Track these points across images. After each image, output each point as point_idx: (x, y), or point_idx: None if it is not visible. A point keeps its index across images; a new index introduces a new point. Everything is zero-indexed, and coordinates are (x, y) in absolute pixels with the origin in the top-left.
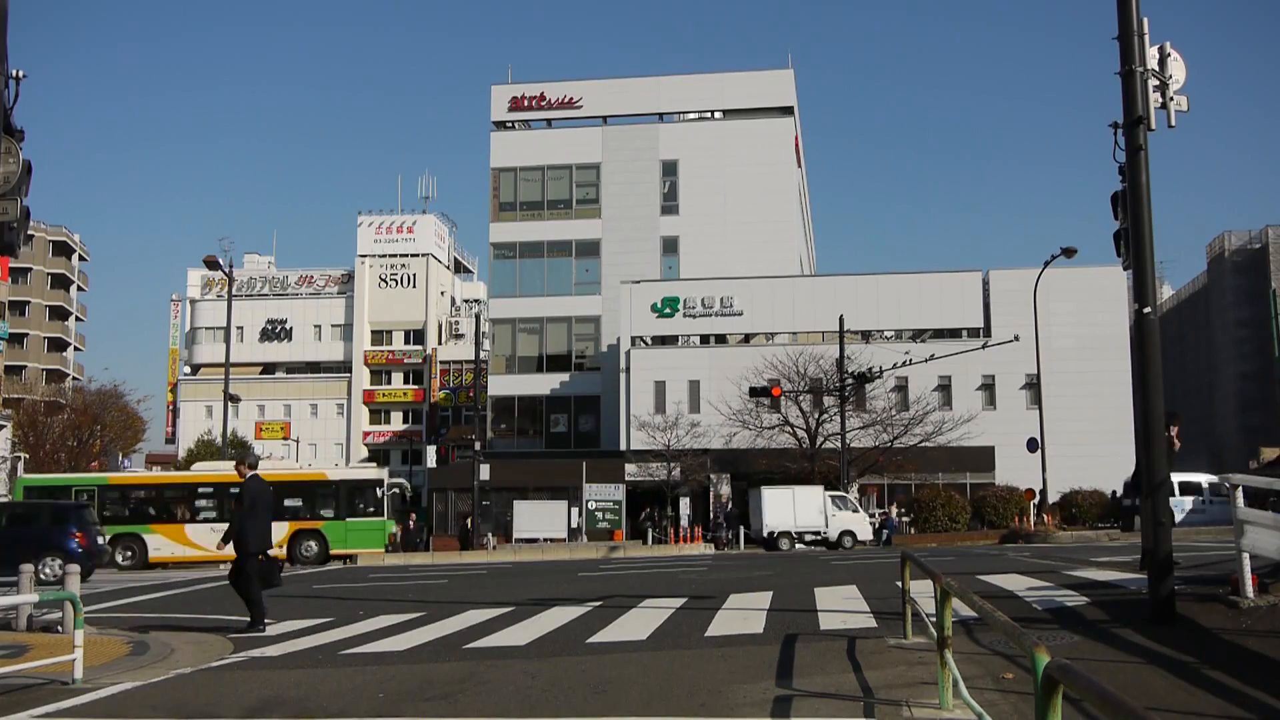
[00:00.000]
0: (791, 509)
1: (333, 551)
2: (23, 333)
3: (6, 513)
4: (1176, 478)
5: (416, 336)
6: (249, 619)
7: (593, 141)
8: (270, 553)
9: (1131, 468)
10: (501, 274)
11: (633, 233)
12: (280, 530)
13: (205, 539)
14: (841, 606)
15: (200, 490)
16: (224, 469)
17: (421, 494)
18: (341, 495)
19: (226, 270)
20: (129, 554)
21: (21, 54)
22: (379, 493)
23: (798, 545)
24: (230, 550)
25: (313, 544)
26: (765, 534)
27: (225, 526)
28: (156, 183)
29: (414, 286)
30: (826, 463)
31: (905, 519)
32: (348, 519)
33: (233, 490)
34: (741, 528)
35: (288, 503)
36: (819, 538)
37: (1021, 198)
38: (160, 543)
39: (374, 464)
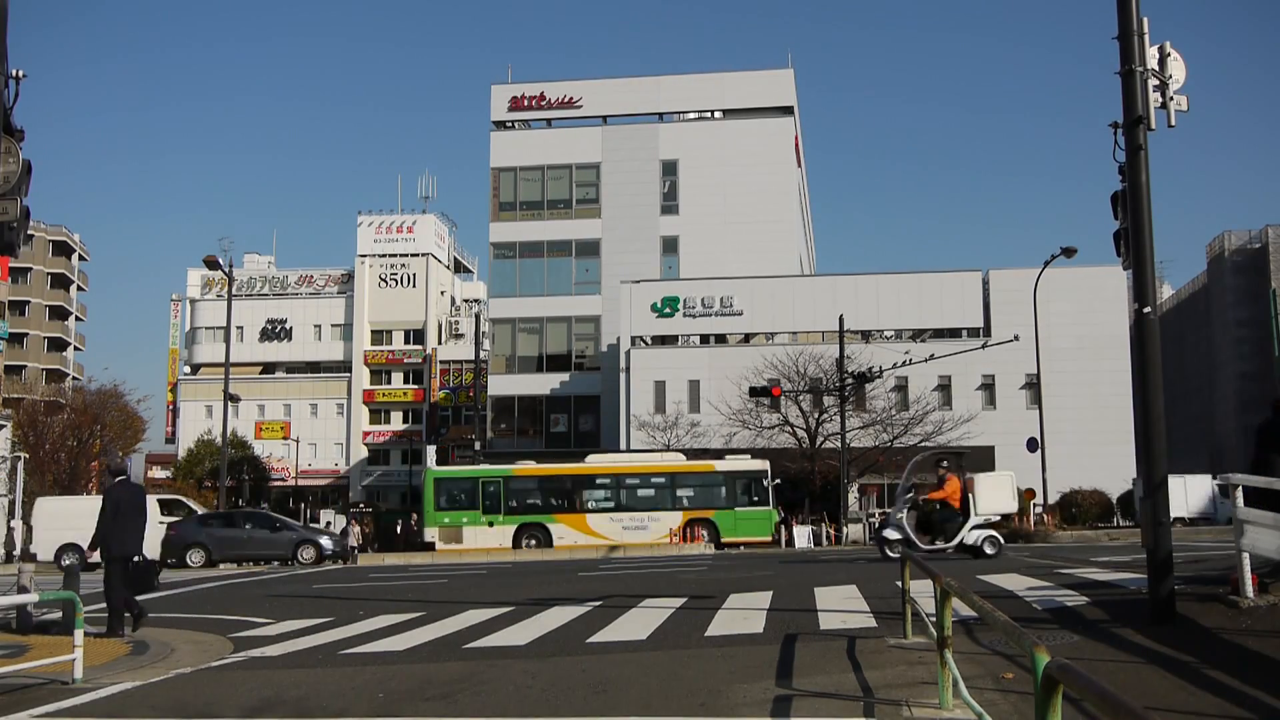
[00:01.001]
0: (1184, 495)
1: (723, 539)
2: (23, 333)
3: None
4: None
5: (416, 336)
6: (108, 626)
7: (592, 141)
8: (148, 558)
9: (1132, 467)
10: (501, 274)
11: (632, 232)
12: (674, 519)
13: (604, 527)
14: (841, 606)
15: (598, 481)
16: (619, 460)
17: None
18: (729, 486)
19: (226, 270)
20: (533, 543)
21: (23, 55)
22: (764, 483)
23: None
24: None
25: (704, 532)
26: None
27: (623, 515)
28: (157, 183)
29: (414, 286)
30: (826, 462)
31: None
32: (736, 509)
33: (628, 480)
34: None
35: (680, 493)
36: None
37: (1021, 198)
38: (563, 531)
39: (749, 455)
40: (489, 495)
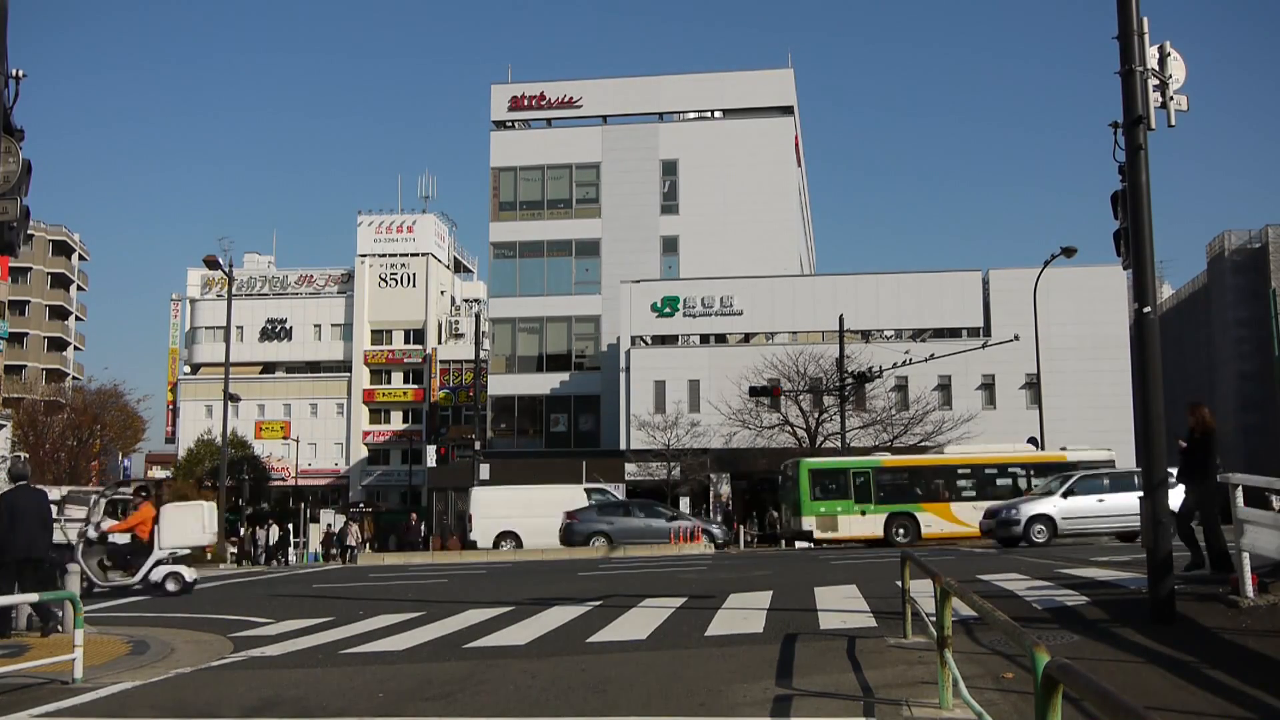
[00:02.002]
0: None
1: None
2: (23, 332)
3: None
4: None
5: (416, 336)
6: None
7: (592, 141)
8: (53, 561)
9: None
10: (501, 273)
11: (632, 232)
12: None
13: (968, 516)
14: (841, 606)
15: (960, 471)
16: (977, 451)
17: (421, 493)
18: None
19: (226, 270)
20: (902, 531)
21: (22, 52)
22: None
23: None
24: None
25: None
26: None
27: (984, 504)
28: (157, 182)
29: (414, 286)
30: None
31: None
32: None
33: (987, 470)
34: (743, 527)
35: (1036, 483)
36: None
37: (1021, 198)
38: (930, 520)
39: (1087, 447)
40: (860, 485)
